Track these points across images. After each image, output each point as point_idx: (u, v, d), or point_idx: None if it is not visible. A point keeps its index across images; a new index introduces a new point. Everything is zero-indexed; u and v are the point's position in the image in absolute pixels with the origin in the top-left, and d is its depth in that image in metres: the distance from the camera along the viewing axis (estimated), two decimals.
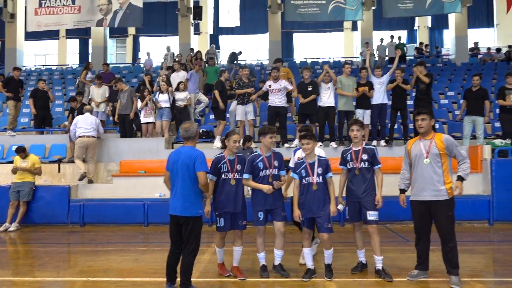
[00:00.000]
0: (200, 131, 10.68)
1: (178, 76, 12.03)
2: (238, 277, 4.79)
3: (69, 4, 16.71)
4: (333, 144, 9.17)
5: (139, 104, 10.11)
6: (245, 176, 4.82)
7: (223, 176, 4.77)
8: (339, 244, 6.11)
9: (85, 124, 9.05)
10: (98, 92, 10.98)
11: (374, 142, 9.33)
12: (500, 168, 8.03)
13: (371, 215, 4.71)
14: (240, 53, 18.27)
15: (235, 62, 18.26)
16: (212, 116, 11.87)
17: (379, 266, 4.76)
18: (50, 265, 5.56)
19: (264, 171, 4.82)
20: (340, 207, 4.94)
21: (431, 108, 9.47)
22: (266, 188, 4.73)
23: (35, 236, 7.65)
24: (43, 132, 11.03)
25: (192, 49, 16.88)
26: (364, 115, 9.21)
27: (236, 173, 4.79)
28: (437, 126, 10.51)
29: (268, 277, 4.75)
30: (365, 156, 4.78)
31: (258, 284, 4.63)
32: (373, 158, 4.79)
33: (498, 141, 8.73)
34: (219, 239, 4.90)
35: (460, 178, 4.37)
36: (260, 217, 4.82)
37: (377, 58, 18.09)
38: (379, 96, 9.20)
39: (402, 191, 4.75)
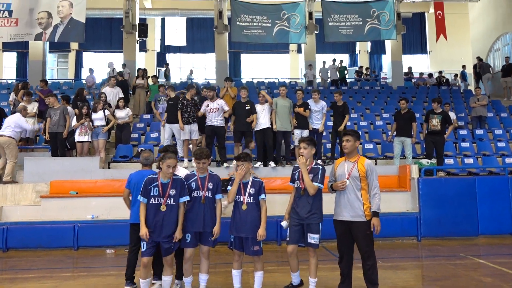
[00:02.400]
0: (139, 150, 10.44)
1: (112, 92, 11.73)
2: None
3: (5, 17, 15.95)
4: (272, 164, 9.28)
5: (74, 121, 9.71)
6: (185, 198, 4.62)
7: (152, 200, 4.50)
8: (272, 264, 6.12)
9: (5, 123, 9.07)
10: (29, 109, 10.43)
11: None
12: (426, 186, 8.47)
13: (312, 238, 4.66)
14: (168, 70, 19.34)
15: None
16: (153, 135, 11.67)
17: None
18: None
19: (196, 191, 4.71)
20: (284, 224, 4.85)
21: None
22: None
23: None
24: None
25: (113, 69, 16.45)
26: (302, 135, 9.47)
27: (168, 199, 4.51)
28: (371, 146, 11.03)
29: None
30: (311, 176, 4.66)
31: None
32: (316, 178, 4.66)
33: (424, 161, 9.24)
34: (142, 267, 4.50)
35: (376, 214, 4.46)
36: (187, 239, 4.68)
37: (319, 80, 18.80)
38: (316, 122, 9.61)
39: (331, 186, 4.73)
